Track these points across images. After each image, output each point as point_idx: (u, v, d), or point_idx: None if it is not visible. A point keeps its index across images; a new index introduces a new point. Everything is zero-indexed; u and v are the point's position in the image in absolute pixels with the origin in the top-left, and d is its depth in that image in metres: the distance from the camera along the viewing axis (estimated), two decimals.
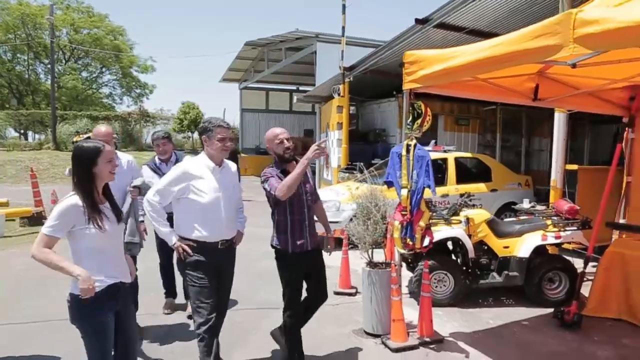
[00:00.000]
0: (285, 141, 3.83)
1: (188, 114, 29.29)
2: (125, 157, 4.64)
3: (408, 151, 4.33)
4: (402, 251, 4.51)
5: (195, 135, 31.25)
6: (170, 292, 5.56)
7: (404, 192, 4.32)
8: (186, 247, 3.54)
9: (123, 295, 2.96)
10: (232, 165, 3.87)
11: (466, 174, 9.58)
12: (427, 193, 4.47)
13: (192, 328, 4.05)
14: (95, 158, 2.77)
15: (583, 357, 4.51)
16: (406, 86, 4.37)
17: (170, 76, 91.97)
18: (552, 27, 2.90)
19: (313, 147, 3.63)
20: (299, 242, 3.86)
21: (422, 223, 4.32)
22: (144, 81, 41.98)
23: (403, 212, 4.35)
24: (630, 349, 4.66)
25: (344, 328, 4.97)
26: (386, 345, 4.56)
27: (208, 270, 3.60)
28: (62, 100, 34.49)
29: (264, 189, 3.75)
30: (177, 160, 5.15)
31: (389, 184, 4.53)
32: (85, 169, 2.77)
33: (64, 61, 38.80)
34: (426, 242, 4.49)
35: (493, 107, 13.54)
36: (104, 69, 40.77)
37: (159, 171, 5.13)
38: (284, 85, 27.81)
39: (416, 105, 4.37)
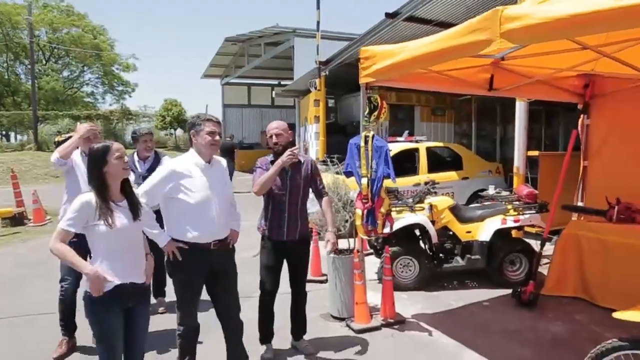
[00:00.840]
0: (274, 136, 4.06)
1: (170, 111, 29.34)
2: None
3: (366, 142, 4.55)
4: (364, 237, 4.73)
5: (179, 132, 31.34)
6: (160, 292, 5.38)
7: (364, 181, 4.56)
8: (176, 251, 3.41)
9: (134, 295, 2.94)
10: (222, 161, 3.76)
11: (438, 163, 9.82)
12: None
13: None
14: (105, 157, 2.82)
15: (536, 333, 4.76)
16: (362, 80, 4.58)
17: (153, 74, 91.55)
18: (482, 24, 3.12)
19: (287, 152, 3.85)
20: (275, 231, 4.07)
21: (382, 210, 4.55)
22: (126, 79, 41.73)
23: (364, 200, 4.58)
24: (581, 324, 4.93)
25: (312, 313, 5.16)
26: (350, 327, 4.80)
27: (200, 273, 3.52)
28: (41, 102, 34.23)
29: None
30: (156, 159, 5.14)
31: (348, 174, 4.75)
32: (97, 169, 2.83)
33: (44, 61, 38.48)
34: (387, 228, 4.72)
35: (468, 97, 13.79)
36: (85, 68, 40.49)
37: (135, 169, 4.96)
38: (265, 80, 27.93)
39: (372, 98, 4.58)
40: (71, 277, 4.25)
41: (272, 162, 4.04)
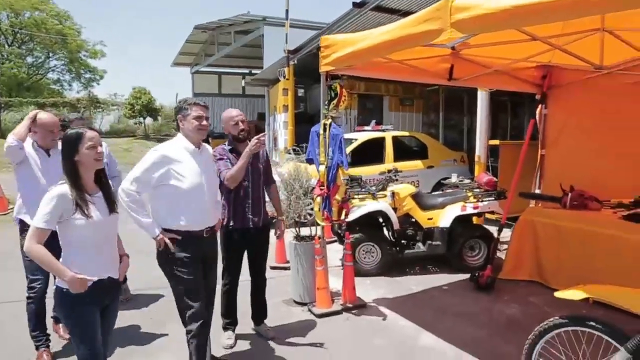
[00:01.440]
0: (240, 123, 4.01)
1: (140, 100, 28.82)
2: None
3: (325, 130, 4.62)
4: (321, 224, 4.81)
5: (148, 120, 30.89)
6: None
7: (322, 168, 4.63)
8: (169, 242, 3.28)
9: (110, 291, 2.85)
10: (209, 148, 3.69)
11: (404, 152, 9.97)
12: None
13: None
14: (77, 145, 2.64)
15: (492, 315, 4.93)
16: (322, 69, 4.64)
17: (121, 61, 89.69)
18: (434, 13, 3.21)
19: (254, 140, 3.78)
20: (240, 219, 4.06)
21: (338, 197, 4.63)
22: (94, 66, 40.75)
23: (321, 187, 4.66)
24: (535, 306, 5.12)
25: (275, 299, 5.25)
26: (312, 312, 4.89)
27: (196, 263, 3.39)
28: (4, 89, 33.28)
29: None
30: None
31: (310, 161, 4.82)
32: (69, 157, 2.66)
33: (6, 46, 37.31)
34: (344, 215, 4.81)
35: (436, 87, 13.98)
36: (50, 54, 39.42)
37: None
38: (235, 69, 27.71)
39: (332, 86, 4.65)
40: (42, 275, 3.88)
41: (231, 151, 4.04)
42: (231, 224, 4.06)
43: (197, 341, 3.35)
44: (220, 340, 4.22)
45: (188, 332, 3.37)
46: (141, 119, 30.21)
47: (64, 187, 2.62)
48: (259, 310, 4.46)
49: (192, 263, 3.34)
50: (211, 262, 3.63)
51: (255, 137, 3.80)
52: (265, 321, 4.50)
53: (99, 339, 2.74)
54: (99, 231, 2.71)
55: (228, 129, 4.08)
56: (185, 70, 28.44)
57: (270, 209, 4.30)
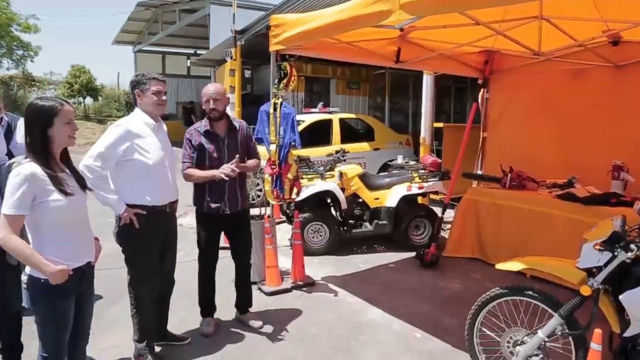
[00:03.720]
0: (211, 101, 3.79)
1: (79, 78, 27.66)
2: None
3: (275, 109, 4.63)
4: (273, 202, 4.84)
5: (88, 100, 29.74)
6: None
7: (273, 147, 4.65)
8: (134, 218, 3.24)
9: (87, 277, 2.66)
10: (164, 125, 3.61)
11: (350, 134, 10.11)
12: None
13: None
14: (52, 118, 2.41)
15: (436, 290, 5.13)
16: (272, 48, 4.63)
17: (59, 38, 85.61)
18: None
19: (228, 167, 3.64)
20: (216, 204, 3.90)
21: (289, 176, 4.67)
22: (27, 41, 38.59)
23: (272, 166, 4.68)
24: (476, 281, 5.37)
25: (225, 278, 5.24)
26: (261, 290, 4.94)
27: (157, 238, 3.43)
28: None
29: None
30: (8, 126, 4.26)
31: (259, 141, 4.81)
32: (40, 131, 2.40)
33: None
34: (295, 193, 4.86)
35: (382, 71, 14.16)
36: None
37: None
38: (180, 49, 27.06)
39: (282, 66, 4.65)
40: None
41: (207, 132, 3.86)
42: (205, 208, 3.93)
43: (141, 315, 3.44)
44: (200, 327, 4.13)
45: (134, 307, 3.44)
46: (80, 99, 29.04)
47: (31, 166, 2.35)
48: (245, 297, 4.36)
49: (153, 238, 3.38)
50: (172, 237, 3.65)
51: (230, 164, 3.67)
52: (249, 309, 4.38)
53: (66, 338, 2.57)
54: (76, 211, 2.52)
55: (203, 104, 3.92)
56: (128, 49, 27.52)
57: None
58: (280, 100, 4.64)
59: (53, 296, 2.45)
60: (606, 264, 2.62)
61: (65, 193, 2.40)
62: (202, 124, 3.92)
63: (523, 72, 6.23)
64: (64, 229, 2.46)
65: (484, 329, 3.21)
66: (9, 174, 2.39)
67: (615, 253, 2.57)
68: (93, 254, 2.68)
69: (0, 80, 28.41)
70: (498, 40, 5.49)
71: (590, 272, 2.72)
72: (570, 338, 2.83)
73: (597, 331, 2.58)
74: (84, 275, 2.59)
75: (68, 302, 2.53)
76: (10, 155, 4.02)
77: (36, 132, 2.41)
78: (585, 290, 2.65)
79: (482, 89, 6.69)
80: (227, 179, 3.67)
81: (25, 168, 2.34)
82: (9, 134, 4.20)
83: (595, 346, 2.57)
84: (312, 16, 4.09)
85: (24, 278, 2.56)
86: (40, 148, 2.41)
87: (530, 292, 2.99)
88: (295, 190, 4.81)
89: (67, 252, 2.47)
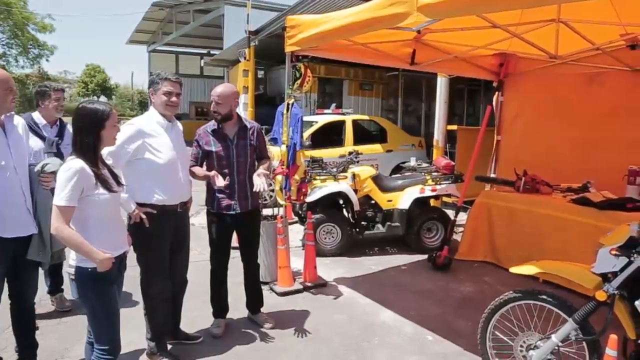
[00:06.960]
0: (213, 103, 3.81)
1: (94, 78, 27.98)
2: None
3: (288, 110, 4.66)
4: (282, 203, 4.86)
5: (102, 99, 30.01)
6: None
7: (283, 147, 4.67)
8: (144, 216, 3.25)
9: (124, 266, 2.88)
10: (179, 123, 3.64)
11: (363, 135, 10.10)
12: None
13: None
14: (104, 121, 2.60)
15: (448, 293, 5.11)
16: (288, 49, 4.65)
17: (74, 38, 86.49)
18: None
19: (220, 181, 3.59)
20: (226, 204, 3.89)
21: (296, 176, 4.69)
22: (43, 41, 39.03)
23: (283, 167, 4.71)
24: (489, 284, 5.34)
25: (237, 278, 5.28)
26: (273, 291, 4.95)
27: (166, 237, 3.45)
28: None
29: None
30: (61, 126, 4.21)
31: (274, 141, 4.84)
32: (94, 132, 2.59)
33: None
34: (303, 196, 4.88)
35: (395, 73, 14.14)
36: None
37: (42, 134, 4.01)
38: (194, 49, 27.24)
39: (297, 67, 4.67)
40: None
41: (214, 132, 3.87)
42: (216, 207, 3.92)
43: (154, 315, 3.49)
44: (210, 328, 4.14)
45: (146, 306, 3.50)
46: (95, 98, 29.33)
47: (80, 162, 2.53)
48: (256, 298, 4.36)
49: (163, 238, 3.40)
50: (184, 237, 3.65)
51: (223, 182, 3.63)
52: (261, 309, 4.39)
53: (118, 322, 2.76)
54: (116, 205, 2.74)
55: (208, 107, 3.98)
56: (142, 49, 27.73)
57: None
58: (292, 100, 4.66)
59: (101, 283, 2.61)
60: (622, 270, 2.60)
61: (109, 189, 2.59)
62: (211, 124, 3.95)
63: (538, 75, 6.19)
64: (106, 221, 2.66)
65: (496, 332, 3.20)
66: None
67: (632, 258, 2.55)
68: (127, 244, 2.88)
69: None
70: (514, 42, 5.46)
71: (606, 278, 2.70)
72: (584, 343, 2.81)
73: (613, 337, 2.55)
74: (122, 264, 2.81)
75: (113, 290, 2.71)
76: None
77: (90, 133, 2.58)
78: (601, 296, 2.63)
79: (496, 92, 6.66)
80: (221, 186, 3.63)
81: (76, 163, 2.51)
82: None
83: (611, 352, 2.55)
84: (328, 17, 4.11)
85: (70, 270, 2.66)
86: (92, 148, 2.59)
87: (545, 297, 2.97)
88: (302, 191, 4.82)
89: (109, 243, 2.64)
